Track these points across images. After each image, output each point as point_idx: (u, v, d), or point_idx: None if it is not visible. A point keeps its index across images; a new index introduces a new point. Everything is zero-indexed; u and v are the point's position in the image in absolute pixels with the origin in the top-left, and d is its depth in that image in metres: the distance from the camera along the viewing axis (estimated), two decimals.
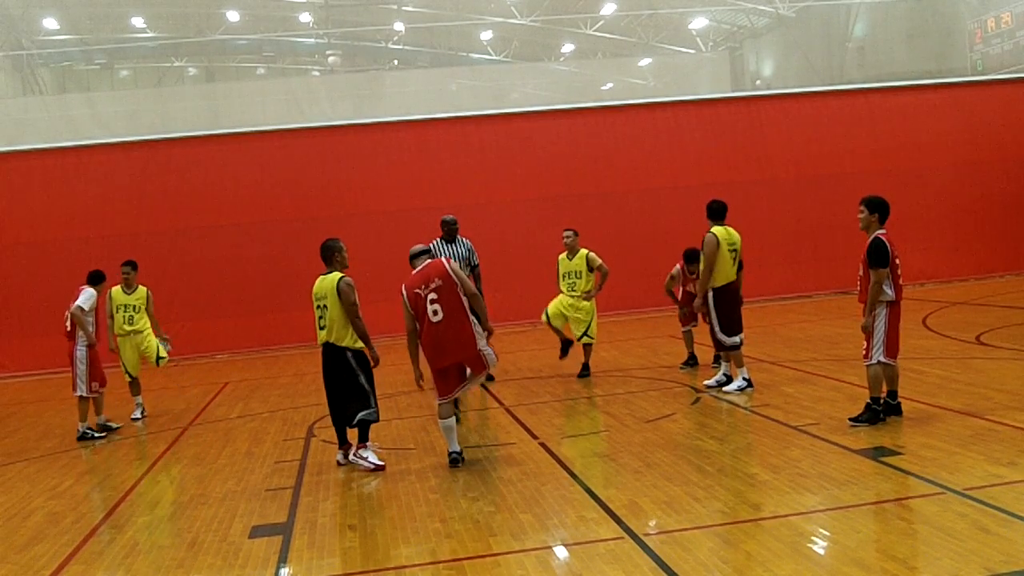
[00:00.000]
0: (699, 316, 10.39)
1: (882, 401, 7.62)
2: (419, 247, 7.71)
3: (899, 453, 6.67)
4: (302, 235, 16.26)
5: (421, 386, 7.64)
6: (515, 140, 18.48)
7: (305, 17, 31.29)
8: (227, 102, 24.88)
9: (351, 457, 7.70)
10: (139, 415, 10.86)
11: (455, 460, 7.42)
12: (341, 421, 7.76)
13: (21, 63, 27.14)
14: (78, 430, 10.04)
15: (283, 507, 6.72)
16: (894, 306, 7.55)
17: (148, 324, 10.90)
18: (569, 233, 11.11)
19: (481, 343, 7.31)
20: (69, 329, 10.08)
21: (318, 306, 7.60)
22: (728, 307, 9.48)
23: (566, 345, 11.20)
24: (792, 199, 18.53)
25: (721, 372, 9.81)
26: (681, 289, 11.41)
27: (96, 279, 10.28)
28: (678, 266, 11.31)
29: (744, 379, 9.50)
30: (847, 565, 4.73)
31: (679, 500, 6.04)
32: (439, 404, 7.41)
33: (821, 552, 5.07)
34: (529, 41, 31.97)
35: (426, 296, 7.24)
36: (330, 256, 7.67)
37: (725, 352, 9.63)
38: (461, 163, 18.13)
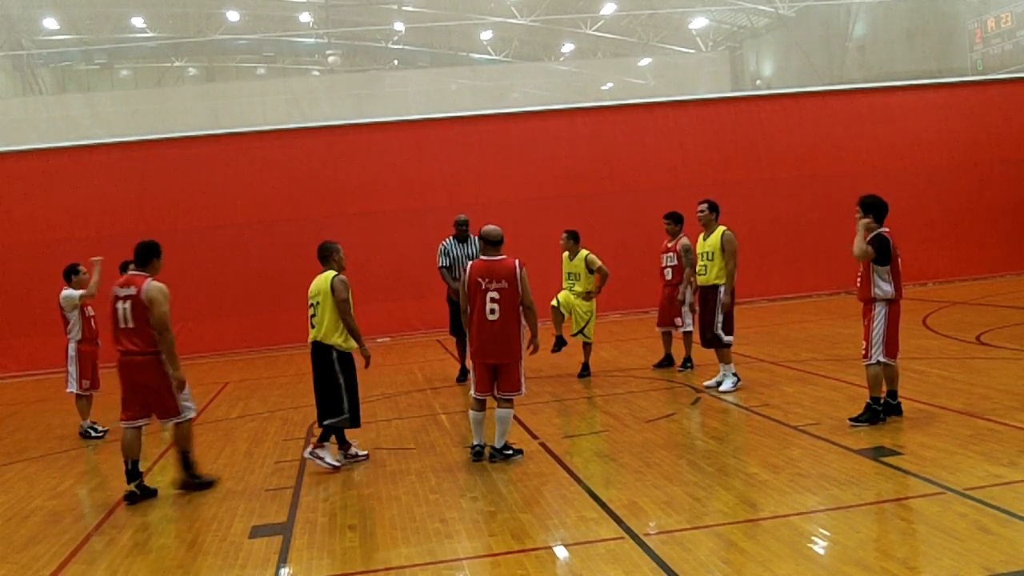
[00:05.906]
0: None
1: (882, 401, 7.63)
2: (495, 236, 7.44)
3: (899, 453, 6.67)
4: (302, 235, 16.24)
5: None
6: (515, 140, 18.45)
7: (305, 17, 31.35)
8: (227, 102, 24.91)
9: (305, 453, 7.69)
10: None
11: (478, 454, 7.52)
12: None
13: (21, 63, 27.18)
14: (80, 427, 10.06)
15: (283, 507, 6.72)
16: (894, 305, 7.56)
17: None
18: (563, 236, 11.13)
19: (522, 365, 7.40)
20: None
21: (311, 304, 7.61)
22: (733, 306, 9.65)
23: (560, 343, 11.14)
24: (792, 199, 18.51)
25: (721, 372, 9.84)
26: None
27: (68, 274, 10.18)
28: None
29: (733, 374, 9.65)
30: (847, 565, 4.73)
31: (679, 500, 6.05)
32: (472, 397, 7.57)
33: (821, 552, 5.07)
34: (529, 41, 32.03)
35: (486, 290, 7.30)
36: (327, 257, 7.69)
37: (719, 350, 9.68)
38: (461, 163, 18.10)
